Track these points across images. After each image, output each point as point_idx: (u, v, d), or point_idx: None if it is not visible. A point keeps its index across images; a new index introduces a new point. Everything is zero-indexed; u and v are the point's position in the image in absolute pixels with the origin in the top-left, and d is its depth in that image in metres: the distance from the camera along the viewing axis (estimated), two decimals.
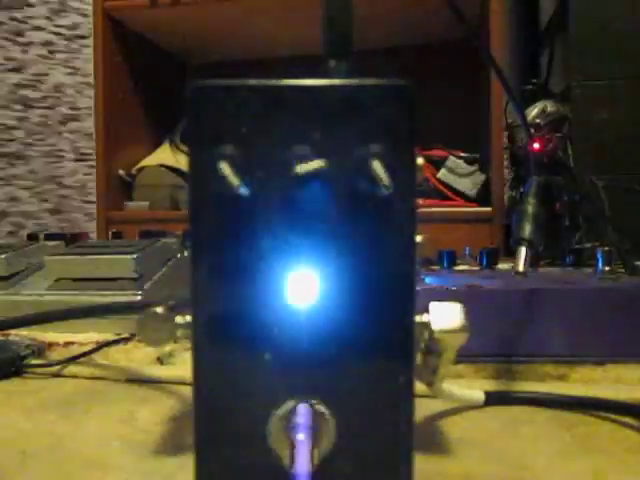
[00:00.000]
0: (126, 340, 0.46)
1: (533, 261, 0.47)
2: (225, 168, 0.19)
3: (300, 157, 0.19)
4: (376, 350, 0.20)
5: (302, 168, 0.19)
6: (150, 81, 1.40)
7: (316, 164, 0.19)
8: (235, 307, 0.20)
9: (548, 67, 1.18)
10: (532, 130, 0.95)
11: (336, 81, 0.20)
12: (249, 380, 0.20)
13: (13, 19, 1.69)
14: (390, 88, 0.19)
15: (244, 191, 0.19)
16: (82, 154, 1.70)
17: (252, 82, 0.19)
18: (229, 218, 0.20)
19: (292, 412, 0.19)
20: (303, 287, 0.20)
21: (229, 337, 0.20)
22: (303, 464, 0.18)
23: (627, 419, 0.30)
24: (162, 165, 1.31)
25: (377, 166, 0.19)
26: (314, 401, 0.20)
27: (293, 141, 0.19)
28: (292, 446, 0.19)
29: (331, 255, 0.20)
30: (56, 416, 0.33)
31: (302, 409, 0.19)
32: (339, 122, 0.19)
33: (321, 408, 0.20)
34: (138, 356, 0.43)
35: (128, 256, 0.53)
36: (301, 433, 0.19)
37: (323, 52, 0.24)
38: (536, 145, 0.92)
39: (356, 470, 0.20)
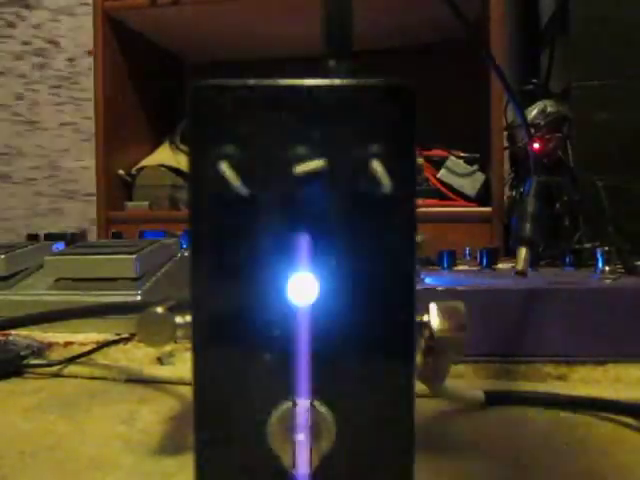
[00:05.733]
0: (126, 340, 0.46)
1: (533, 261, 0.47)
2: (225, 168, 0.19)
3: (300, 157, 0.19)
4: (376, 350, 0.20)
5: (302, 168, 0.19)
6: (150, 81, 1.40)
7: (316, 164, 0.19)
8: (235, 307, 0.20)
9: (548, 67, 1.18)
10: (532, 130, 0.95)
11: (336, 81, 0.20)
12: (249, 380, 0.20)
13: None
14: (390, 88, 0.19)
15: (244, 191, 0.19)
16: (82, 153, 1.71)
17: (252, 82, 0.19)
18: (229, 218, 0.20)
19: (292, 412, 0.19)
20: (303, 287, 0.20)
21: (229, 337, 0.20)
22: (303, 464, 0.18)
23: (627, 419, 0.30)
24: (162, 165, 1.31)
25: (377, 166, 0.19)
26: (314, 401, 0.20)
27: (293, 141, 0.19)
28: (292, 446, 0.19)
29: (331, 255, 0.20)
30: (56, 416, 0.33)
31: (302, 409, 0.19)
32: (339, 122, 0.19)
33: (321, 408, 0.20)
34: (138, 356, 0.43)
35: (128, 256, 0.53)
36: (301, 433, 0.19)
37: (323, 52, 0.24)
38: (536, 145, 0.92)
39: (356, 470, 0.20)
